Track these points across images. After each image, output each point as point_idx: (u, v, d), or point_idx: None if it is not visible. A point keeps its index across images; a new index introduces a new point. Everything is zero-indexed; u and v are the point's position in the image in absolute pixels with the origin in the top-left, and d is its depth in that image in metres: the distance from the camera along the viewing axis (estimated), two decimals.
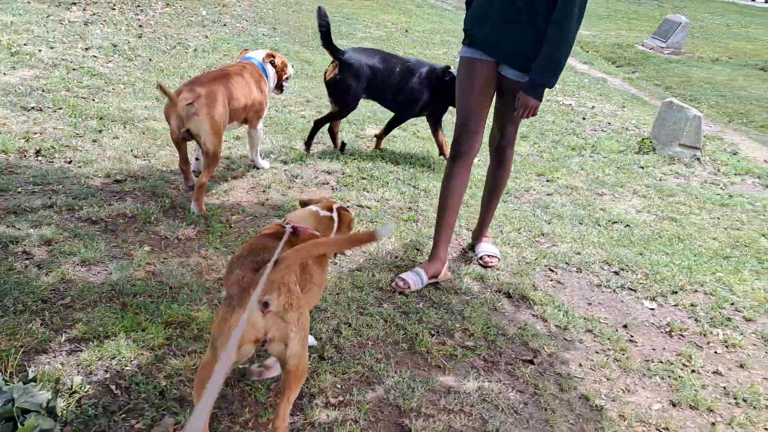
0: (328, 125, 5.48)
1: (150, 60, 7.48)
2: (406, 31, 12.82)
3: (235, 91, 4.19)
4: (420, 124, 6.58)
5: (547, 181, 5.66)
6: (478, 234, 4.17)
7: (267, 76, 4.66)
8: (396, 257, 3.91)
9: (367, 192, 4.72)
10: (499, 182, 4.03)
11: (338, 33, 11.37)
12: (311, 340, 2.95)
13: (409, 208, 4.56)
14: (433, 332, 3.24)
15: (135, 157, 4.71)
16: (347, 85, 5.23)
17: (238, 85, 4.23)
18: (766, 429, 2.94)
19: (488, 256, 4.01)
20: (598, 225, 4.79)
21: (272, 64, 4.71)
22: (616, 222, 4.91)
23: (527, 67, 3.44)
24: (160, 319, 2.95)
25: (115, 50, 7.55)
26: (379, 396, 2.75)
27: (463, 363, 3.06)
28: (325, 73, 5.35)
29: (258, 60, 4.64)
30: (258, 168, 4.81)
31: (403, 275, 3.62)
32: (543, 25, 3.33)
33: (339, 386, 2.77)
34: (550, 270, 4.06)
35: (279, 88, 4.88)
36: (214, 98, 3.93)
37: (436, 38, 12.35)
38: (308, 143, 5.41)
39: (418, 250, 4.03)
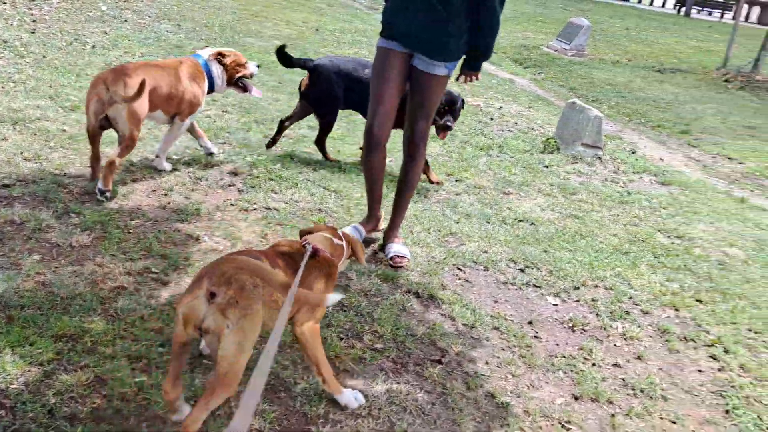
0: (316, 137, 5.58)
1: (44, 57, 7.09)
2: (317, 29, 12.72)
3: (160, 81, 4.24)
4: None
5: (456, 180, 5.72)
6: (389, 234, 4.17)
7: (211, 74, 4.71)
8: None
9: (276, 194, 4.63)
10: (411, 178, 4.10)
11: (246, 31, 11.15)
12: (359, 398, 2.76)
13: (319, 209, 4.51)
14: (342, 336, 3.20)
15: (25, 159, 4.44)
16: (321, 91, 5.24)
17: (164, 76, 4.30)
18: (661, 418, 3.06)
19: (398, 256, 4.01)
20: (505, 223, 4.88)
21: (220, 62, 4.76)
22: (521, 220, 5.01)
23: (442, 58, 3.73)
24: (50, 333, 2.77)
25: (5, 46, 7.13)
26: (286, 404, 2.69)
27: (372, 366, 3.04)
28: (299, 86, 5.40)
29: (203, 57, 4.73)
30: (159, 170, 4.64)
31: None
32: (458, 17, 3.60)
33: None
34: (459, 269, 4.09)
35: (237, 86, 4.96)
36: (134, 85, 3.94)
37: (347, 37, 12.31)
38: (325, 155, 5.61)
39: None
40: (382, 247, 4.17)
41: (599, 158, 7.00)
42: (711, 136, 9.44)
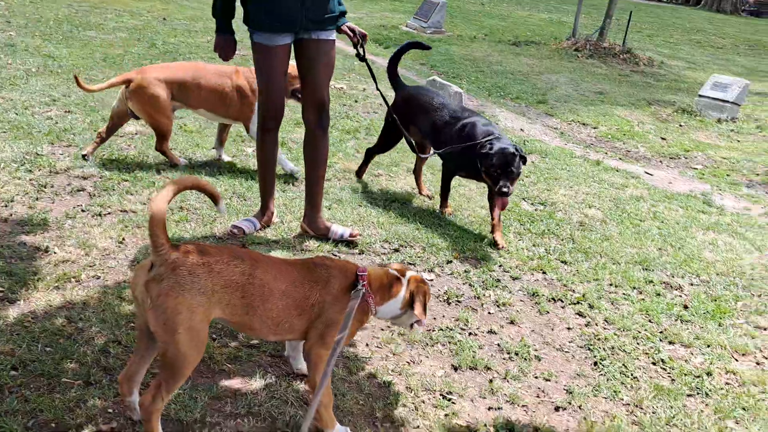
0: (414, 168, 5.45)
1: None
2: (164, 19, 12.18)
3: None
4: (187, 117, 6.25)
5: None
6: (317, 217, 4.21)
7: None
8: None
9: (132, 195, 4.37)
10: (324, 153, 4.13)
11: (86, 24, 10.44)
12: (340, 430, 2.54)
13: (181, 207, 4.31)
14: (214, 336, 3.08)
15: None
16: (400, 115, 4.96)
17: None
18: (536, 377, 3.17)
19: (351, 234, 4.19)
20: (377, 206, 4.88)
21: None
22: (393, 201, 5.03)
23: (331, 23, 3.86)
24: None
25: None
26: (162, 414, 2.54)
27: (249, 363, 2.94)
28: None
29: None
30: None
31: (238, 223, 4.09)
32: None
33: (111, 410, 2.52)
34: (334, 255, 4.05)
35: (295, 97, 4.98)
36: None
37: (198, 25, 11.88)
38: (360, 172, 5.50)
39: None
40: (306, 233, 4.25)
41: None
42: (566, 104, 9.91)
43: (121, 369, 2.72)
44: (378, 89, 4.50)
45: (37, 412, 2.44)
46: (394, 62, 5.28)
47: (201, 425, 2.51)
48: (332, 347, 2.28)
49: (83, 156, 4.80)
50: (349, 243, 4.18)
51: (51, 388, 2.57)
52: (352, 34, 3.98)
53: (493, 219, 4.54)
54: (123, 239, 3.79)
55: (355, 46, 4.04)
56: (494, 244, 4.47)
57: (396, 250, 4.23)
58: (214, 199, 2.36)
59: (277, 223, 4.32)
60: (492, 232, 4.55)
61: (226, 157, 5.30)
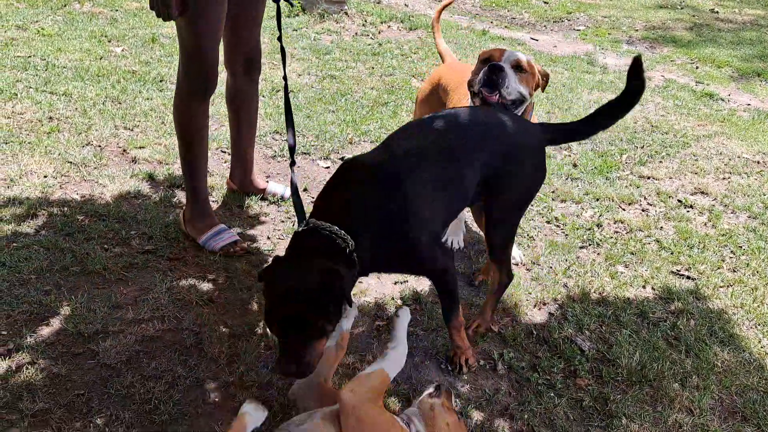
0: None
1: None
2: None
3: None
4: (44, 21, 5.72)
5: None
6: (254, 177, 3.50)
7: None
8: (46, 176, 3.43)
9: None
10: (256, 104, 3.34)
11: None
12: None
13: (50, 118, 4.00)
14: (106, 246, 2.95)
15: None
16: None
17: None
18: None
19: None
20: (263, 96, 4.71)
21: None
22: (279, 90, 4.86)
23: None
24: None
25: None
26: (57, 329, 2.45)
27: (147, 269, 2.85)
28: None
29: None
30: None
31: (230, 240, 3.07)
32: None
33: (5, 332, 2.41)
34: (222, 152, 3.91)
35: None
36: None
37: None
38: None
39: (71, 163, 3.57)
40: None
41: (346, 13, 6.92)
42: None
43: (11, 289, 2.58)
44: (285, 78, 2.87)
45: None
46: None
47: (104, 335, 2.44)
48: None
49: None
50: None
51: None
52: None
53: None
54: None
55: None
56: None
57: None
58: None
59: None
60: None
61: None
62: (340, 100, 4.79)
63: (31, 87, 4.36)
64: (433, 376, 2.48)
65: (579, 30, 7.51)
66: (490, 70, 2.52)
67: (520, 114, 2.63)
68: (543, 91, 2.86)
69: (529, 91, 2.64)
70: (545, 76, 2.77)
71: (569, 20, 7.88)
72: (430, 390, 2.11)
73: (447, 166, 2.24)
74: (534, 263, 3.20)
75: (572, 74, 5.84)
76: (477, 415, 2.33)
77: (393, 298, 2.86)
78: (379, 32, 6.60)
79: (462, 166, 2.28)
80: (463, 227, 3.30)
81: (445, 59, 3.52)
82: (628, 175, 4.12)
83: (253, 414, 1.86)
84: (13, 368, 2.26)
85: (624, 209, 3.76)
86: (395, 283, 2.97)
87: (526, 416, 2.34)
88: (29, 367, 2.27)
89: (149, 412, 2.15)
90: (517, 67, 2.58)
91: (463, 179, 2.30)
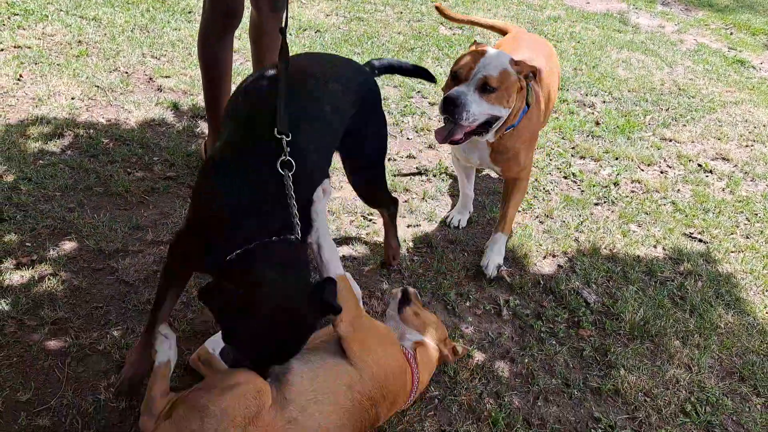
0: None
1: None
2: None
3: None
4: None
5: None
6: None
7: None
8: (74, 98, 3.48)
9: (24, 30, 4.05)
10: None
11: None
12: None
13: (79, 41, 4.03)
14: (129, 170, 3.01)
15: None
16: None
17: None
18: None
19: None
20: (289, 34, 4.69)
21: None
22: (306, 29, 4.84)
23: None
24: None
25: None
26: (78, 245, 2.53)
27: (168, 194, 2.91)
28: None
29: None
30: None
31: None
32: None
33: (29, 244, 2.49)
34: None
35: None
36: None
37: None
38: None
39: (98, 87, 3.62)
40: None
41: None
42: None
43: (36, 204, 2.66)
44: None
45: None
46: None
47: (123, 253, 2.52)
48: None
49: None
50: None
51: None
52: None
53: None
54: (20, 76, 3.56)
55: None
56: None
57: None
58: None
59: None
60: None
61: None
62: (366, 42, 4.76)
63: (61, 10, 4.38)
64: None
65: None
66: (445, 103, 2.35)
67: (500, 124, 2.48)
68: (538, 84, 2.67)
69: (504, 106, 2.41)
70: (534, 72, 2.48)
71: None
72: (399, 297, 2.25)
73: None
74: (547, 216, 3.23)
75: (603, 32, 5.75)
76: (479, 356, 2.40)
77: (405, 240, 2.91)
78: None
79: None
80: (470, 207, 3.14)
81: (509, 30, 3.36)
82: (650, 137, 4.10)
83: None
84: (36, 278, 2.35)
85: (643, 170, 3.76)
86: (408, 226, 3.02)
87: (526, 360, 2.41)
88: (51, 278, 2.36)
89: None
90: (484, 87, 2.35)
91: None
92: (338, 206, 3.03)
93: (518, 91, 2.47)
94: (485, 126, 2.45)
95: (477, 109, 2.36)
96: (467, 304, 2.63)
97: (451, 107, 2.34)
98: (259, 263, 1.68)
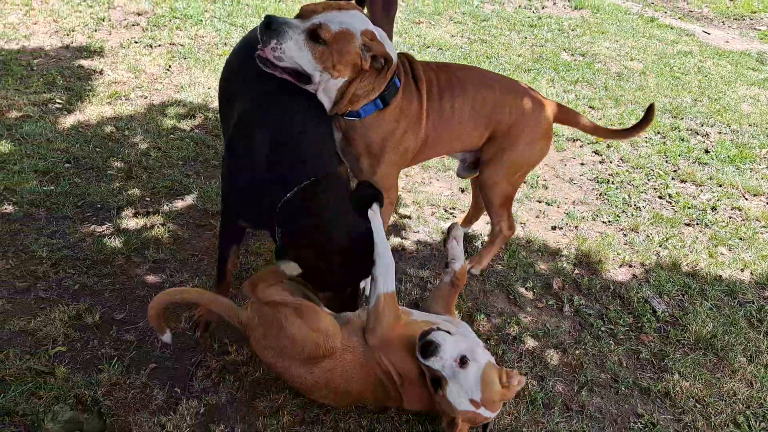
0: None
1: None
2: None
3: None
4: None
5: None
6: None
7: None
8: (210, 88, 3.95)
9: (181, 30, 4.62)
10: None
11: None
12: None
13: (225, 44, 4.55)
14: None
15: None
16: None
17: None
18: (539, 201, 3.38)
19: None
20: (412, 50, 4.99)
21: None
22: (429, 46, 5.12)
23: None
24: None
25: None
26: (188, 204, 2.91)
27: None
28: None
29: None
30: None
31: None
32: None
33: (148, 199, 2.90)
34: None
35: None
36: None
37: None
38: None
39: None
40: None
41: None
42: None
43: (160, 169, 3.10)
44: None
45: (85, 195, 2.84)
46: None
47: None
48: None
49: None
50: None
51: (98, 179, 2.96)
52: None
53: None
54: (170, 67, 4.09)
55: None
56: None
57: None
58: None
59: None
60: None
61: None
62: (485, 61, 4.97)
63: (215, 17, 4.95)
64: (501, 304, 2.67)
65: (760, 30, 7.08)
66: (266, 23, 1.99)
67: (327, 94, 2.14)
68: (386, 76, 2.18)
69: (323, 67, 2.04)
70: (387, 59, 2.11)
71: (752, 19, 7.44)
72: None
73: None
74: (632, 230, 3.25)
75: (735, 69, 5.59)
76: (530, 342, 2.51)
77: (481, 234, 3.06)
78: (543, 7, 6.64)
79: None
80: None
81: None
82: (762, 169, 3.98)
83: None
84: (148, 225, 2.74)
85: (747, 199, 3.67)
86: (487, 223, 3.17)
87: (578, 352, 2.48)
88: (160, 227, 2.74)
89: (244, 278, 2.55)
90: (314, 34, 1.99)
91: None
92: (423, 198, 3.24)
93: (354, 67, 2.10)
94: (298, 77, 2.07)
95: (291, 46, 2.00)
96: (530, 296, 2.75)
97: (268, 30, 1.99)
98: (318, 197, 1.95)
